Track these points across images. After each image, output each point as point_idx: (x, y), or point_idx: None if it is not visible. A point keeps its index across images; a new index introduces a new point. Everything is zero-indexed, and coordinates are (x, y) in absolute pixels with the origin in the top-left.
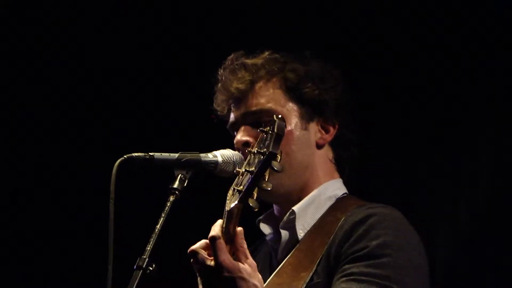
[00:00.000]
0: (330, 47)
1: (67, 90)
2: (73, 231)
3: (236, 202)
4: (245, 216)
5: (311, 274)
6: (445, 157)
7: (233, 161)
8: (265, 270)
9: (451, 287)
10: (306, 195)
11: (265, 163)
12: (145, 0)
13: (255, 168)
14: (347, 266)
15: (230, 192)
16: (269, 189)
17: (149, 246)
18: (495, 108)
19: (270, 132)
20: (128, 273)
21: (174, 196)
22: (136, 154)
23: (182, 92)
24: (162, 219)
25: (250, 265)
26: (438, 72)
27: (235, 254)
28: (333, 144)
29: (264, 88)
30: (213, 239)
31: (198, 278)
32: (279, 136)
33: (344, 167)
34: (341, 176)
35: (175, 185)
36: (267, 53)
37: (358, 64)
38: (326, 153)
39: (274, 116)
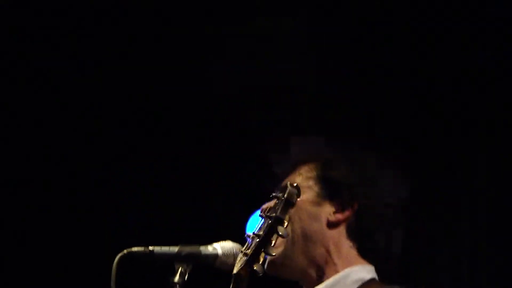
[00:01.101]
0: None
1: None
2: None
3: (242, 265)
4: None
5: None
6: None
7: (233, 253)
8: None
9: None
10: (326, 275)
11: (271, 228)
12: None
13: (262, 232)
14: None
15: (239, 255)
16: (274, 254)
17: None
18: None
19: (281, 198)
20: None
21: None
22: (135, 248)
23: (184, 181)
24: None
25: None
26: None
27: None
28: (352, 230)
29: (302, 167)
30: None
31: None
32: (288, 202)
33: (368, 255)
34: (369, 262)
35: (176, 279)
36: (311, 136)
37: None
38: (343, 236)
39: (288, 183)
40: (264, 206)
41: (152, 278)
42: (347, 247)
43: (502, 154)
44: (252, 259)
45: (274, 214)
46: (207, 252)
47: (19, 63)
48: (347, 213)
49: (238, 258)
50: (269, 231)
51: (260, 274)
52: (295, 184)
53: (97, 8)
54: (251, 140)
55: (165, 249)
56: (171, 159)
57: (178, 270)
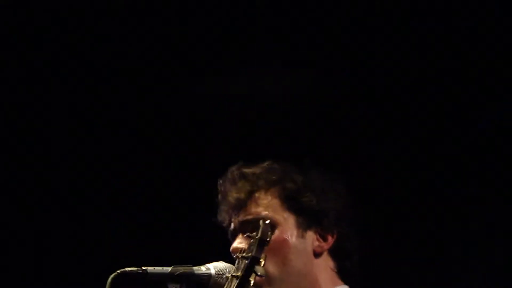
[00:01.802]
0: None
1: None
2: None
3: None
4: None
5: None
6: None
7: (226, 274)
8: None
9: None
10: None
11: (249, 268)
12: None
13: (240, 273)
14: None
15: None
16: None
17: None
18: None
19: (255, 237)
20: None
21: None
22: (129, 268)
23: (176, 200)
24: None
25: None
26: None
27: None
28: (333, 254)
29: (263, 197)
30: None
31: None
32: (262, 241)
33: (347, 277)
34: (346, 283)
35: None
36: (266, 163)
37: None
38: (326, 262)
39: (260, 221)
40: (235, 245)
41: None
42: (329, 271)
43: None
44: None
45: (250, 254)
46: (200, 272)
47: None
48: (330, 240)
49: None
50: (246, 272)
51: None
52: (267, 222)
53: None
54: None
55: (158, 269)
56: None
57: None
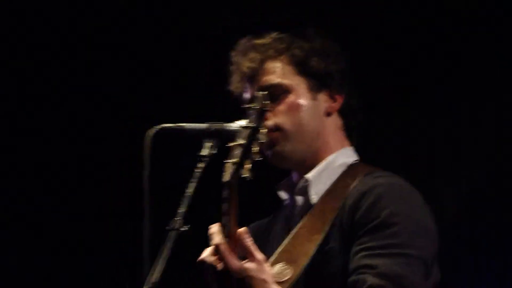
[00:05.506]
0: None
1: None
2: (105, 205)
3: (230, 173)
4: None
5: (323, 236)
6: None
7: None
8: (283, 234)
9: None
10: (319, 162)
11: (250, 137)
12: None
13: (244, 141)
14: (363, 239)
15: (226, 165)
16: (260, 159)
17: (181, 209)
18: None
19: (254, 107)
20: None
21: (204, 163)
22: (166, 125)
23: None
24: (193, 184)
25: (256, 261)
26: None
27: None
28: (342, 113)
29: (274, 65)
30: (217, 246)
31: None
32: (261, 110)
33: (352, 134)
34: (352, 144)
35: (204, 153)
36: (274, 34)
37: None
38: (335, 121)
39: (256, 93)
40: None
41: (179, 157)
42: (338, 131)
43: None
44: (239, 167)
45: (251, 124)
46: (231, 128)
47: None
48: (339, 100)
49: (226, 168)
50: (249, 140)
51: (249, 179)
52: (266, 93)
53: None
54: None
55: (195, 125)
56: None
57: (206, 145)
